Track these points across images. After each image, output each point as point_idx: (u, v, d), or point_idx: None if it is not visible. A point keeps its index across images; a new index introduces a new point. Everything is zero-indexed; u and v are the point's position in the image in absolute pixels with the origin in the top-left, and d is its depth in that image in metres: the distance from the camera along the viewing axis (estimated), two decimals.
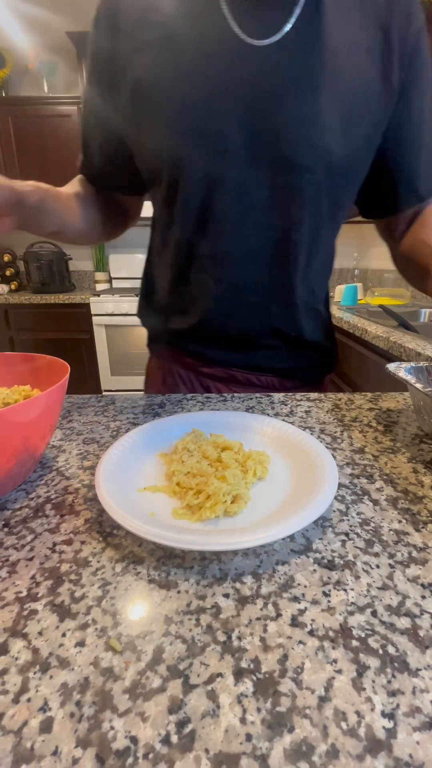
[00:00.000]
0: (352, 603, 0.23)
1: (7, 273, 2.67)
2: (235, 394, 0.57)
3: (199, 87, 0.46)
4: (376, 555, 0.27)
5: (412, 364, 0.48)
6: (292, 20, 0.44)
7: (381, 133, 0.50)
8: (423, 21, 0.48)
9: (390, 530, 0.29)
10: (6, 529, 0.30)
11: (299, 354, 0.63)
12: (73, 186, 0.59)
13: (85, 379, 2.49)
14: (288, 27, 0.44)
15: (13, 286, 2.64)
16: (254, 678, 0.19)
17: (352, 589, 0.24)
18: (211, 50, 0.45)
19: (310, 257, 0.55)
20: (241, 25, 0.44)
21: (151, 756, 0.16)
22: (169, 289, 0.60)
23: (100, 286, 2.74)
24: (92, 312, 2.30)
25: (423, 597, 0.24)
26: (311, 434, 0.44)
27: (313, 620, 0.22)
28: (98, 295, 2.30)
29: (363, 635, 0.21)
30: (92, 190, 0.61)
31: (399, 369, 0.46)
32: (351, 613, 0.23)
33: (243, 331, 0.59)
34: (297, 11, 0.44)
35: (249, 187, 0.49)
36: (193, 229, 0.53)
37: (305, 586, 0.25)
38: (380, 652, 0.21)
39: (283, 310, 0.57)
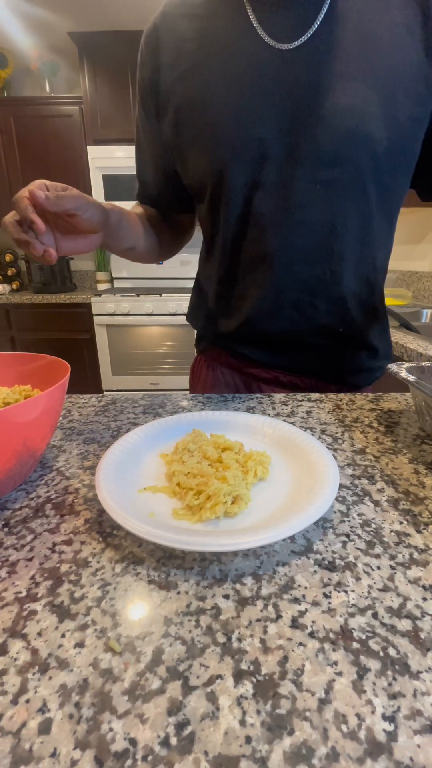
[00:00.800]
0: (353, 605, 0.23)
1: (9, 273, 2.67)
2: (236, 395, 0.57)
3: (235, 98, 0.48)
4: (377, 556, 0.27)
5: (414, 364, 0.48)
6: (319, 19, 0.45)
7: (430, 112, 0.49)
8: None
9: (391, 531, 0.29)
10: (6, 529, 0.30)
11: (347, 354, 0.62)
12: (135, 208, 0.65)
13: (86, 379, 2.49)
14: (315, 27, 0.45)
15: (14, 286, 2.65)
16: (254, 680, 0.19)
17: (353, 591, 0.24)
18: (243, 61, 0.47)
19: (361, 248, 0.55)
20: (269, 32, 0.46)
21: (150, 758, 0.16)
22: (215, 293, 0.62)
23: (101, 286, 2.74)
24: (93, 312, 2.30)
25: (424, 599, 0.24)
26: (312, 435, 0.44)
27: (313, 622, 0.22)
28: (99, 295, 2.30)
29: (364, 637, 0.21)
30: (152, 210, 0.66)
31: (400, 369, 0.45)
32: (352, 615, 0.23)
33: (288, 330, 0.59)
34: (324, 10, 0.45)
35: (290, 187, 0.50)
36: (235, 234, 0.55)
37: (306, 588, 0.24)
38: (381, 654, 0.20)
39: (330, 305, 0.57)
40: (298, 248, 0.53)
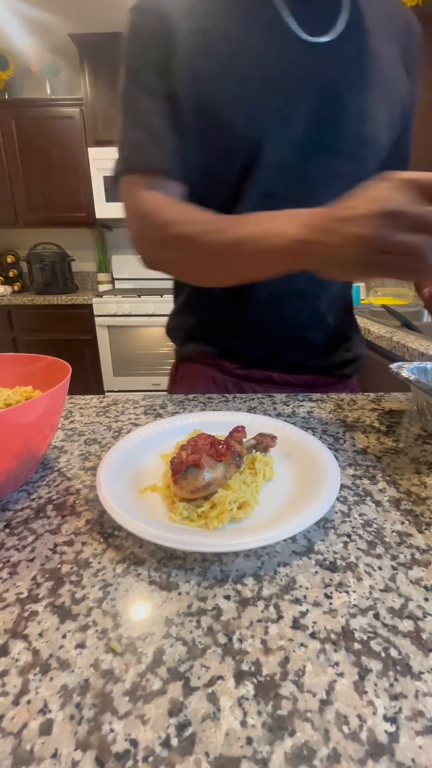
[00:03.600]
0: (354, 605, 0.23)
1: (11, 274, 2.68)
2: (237, 395, 0.57)
3: (271, 81, 0.48)
4: (379, 557, 0.27)
5: (416, 364, 0.48)
6: (344, 20, 0.49)
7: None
8: (419, 39, 0.57)
9: (393, 532, 0.29)
10: (7, 530, 0.30)
11: (332, 347, 0.64)
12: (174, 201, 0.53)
13: (87, 380, 2.49)
14: (341, 26, 0.48)
15: (16, 287, 2.65)
16: (255, 681, 0.19)
17: (354, 591, 0.24)
18: (273, 47, 0.48)
19: None
20: (300, 23, 0.48)
21: (151, 759, 0.16)
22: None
23: (102, 287, 2.75)
24: (95, 313, 2.30)
25: (426, 599, 0.24)
26: (313, 435, 0.44)
27: (314, 622, 0.22)
28: (101, 296, 2.31)
29: (365, 638, 0.21)
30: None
31: (402, 369, 0.45)
32: (353, 616, 0.23)
33: (289, 320, 0.59)
34: (344, 15, 0.49)
35: (313, 173, 0.51)
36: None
37: (307, 588, 0.24)
38: (382, 655, 0.20)
39: (330, 295, 0.60)
40: None
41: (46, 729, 0.17)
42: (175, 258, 0.50)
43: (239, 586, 0.25)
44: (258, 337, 0.61)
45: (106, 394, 0.66)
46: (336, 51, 0.48)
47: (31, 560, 0.27)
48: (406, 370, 0.45)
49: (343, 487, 0.35)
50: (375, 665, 0.20)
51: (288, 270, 0.40)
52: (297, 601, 0.23)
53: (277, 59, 0.48)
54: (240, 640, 0.21)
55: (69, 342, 2.43)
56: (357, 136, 0.51)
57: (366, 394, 0.58)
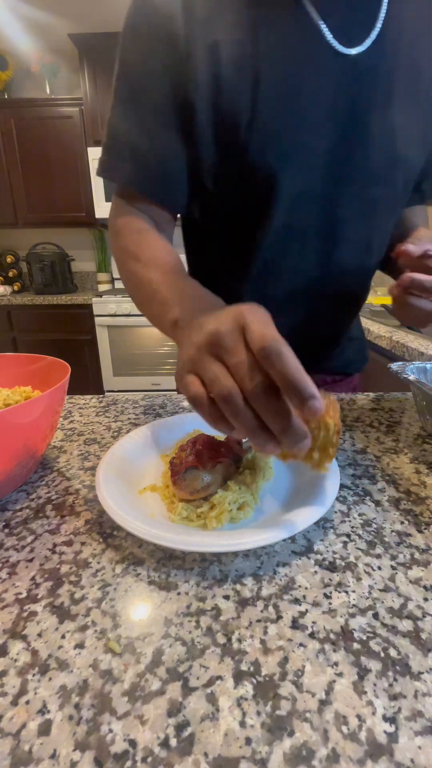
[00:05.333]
0: (354, 605, 0.23)
1: (10, 274, 2.67)
2: None
3: (289, 101, 0.43)
4: (378, 556, 0.27)
5: (415, 363, 0.48)
6: (379, 24, 0.43)
7: None
8: None
9: (392, 531, 0.29)
10: (6, 530, 0.30)
11: (339, 348, 0.65)
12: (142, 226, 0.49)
13: (87, 380, 2.49)
14: (376, 32, 0.43)
15: (15, 287, 2.65)
16: (254, 681, 0.19)
17: (354, 591, 0.24)
18: (301, 58, 0.42)
19: (379, 258, 0.56)
20: (333, 31, 0.42)
21: (149, 759, 0.16)
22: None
23: (102, 287, 2.74)
24: (94, 313, 2.30)
25: (425, 599, 0.24)
26: None
27: (314, 622, 0.22)
28: (100, 296, 2.30)
29: (364, 638, 0.21)
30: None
31: (402, 369, 0.45)
32: (352, 616, 0.23)
33: (298, 319, 0.56)
34: (382, 16, 0.43)
35: (336, 202, 0.48)
36: (274, 246, 0.50)
37: (306, 588, 0.24)
38: (382, 655, 0.20)
39: (352, 315, 0.62)
40: (337, 265, 0.52)
41: (44, 729, 0.17)
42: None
43: (238, 586, 0.25)
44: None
45: (106, 394, 0.66)
46: (366, 64, 0.43)
47: (30, 560, 0.27)
48: (406, 369, 0.45)
49: (342, 486, 0.35)
50: (374, 665, 0.20)
51: None
52: (296, 601, 0.23)
53: (303, 70, 0.42)
54: (239, 640, 0.21)
55: (69, 342, 2.43)
56: (385, 158, 0.47)
57: (366, 393, 0.58)
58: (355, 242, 0.52)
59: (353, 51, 0.43)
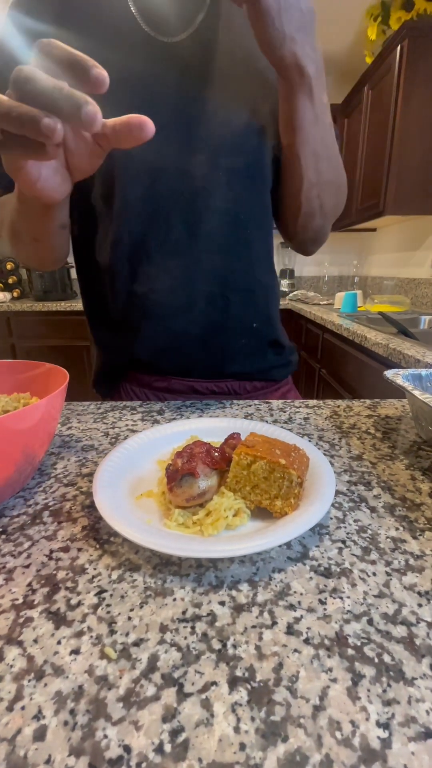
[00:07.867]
0: (348, 611, 0.23)
1: (10, 281, 2.69)
2: (234, 401, 0.57)
3: (123, 85, 0.44)
4: (373, 563, 0.27)
5: (411, 370, 0.48)
6: (200, 18, 0.49)
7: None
8: None
9: (387, 538, 0.29)
10: (3, 536, 0.30)
11: (259, 353, 0.62)
12: None
13: (86, 386, 2.49)
14: (197, 23, 0.49)
15: (15, 294, 2.66)
16: (249, 687, 0.19)
17: (349, 597, 0.24)
18: (125, 47, 0.48)
19: (265, 237, 0.57)
20: (150, 24, 0.48)
21: (144, 765, 0.16)
22: (118, 295, 0.56)
23: None
24: None
25: (420, 605, 0.24)
26: (309, 441, 0.44)
27: (308, 628, 0.22)
28: None
29: (359, 644, 0.21)
30: None
31: (397, 376, 0.46)
32: (347, 622, 0.23)
33: (204, 326, 0.56)
34: (201, 16, 0.49)
35: (192, 173, 0.50)
36: (137, 221, 0.51)
37: (301, 594, 0.25)
38: (376, 660, 0.21)
39: (242, 297, 0.57)
40: (204, 236, 0.53)
41: (39, 735, 0.17)
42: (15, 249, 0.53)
43: (234, 592, 0.25)
44: (171, 350, 0.58)
45: (104, 400, 0.66)
46: (193, 45, 0.49)
47: (27, 566, 0.27)
48: (401, 377, 0.46)
49: (338, 493, 0.35)
50: (368, 671, 0.20)
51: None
52: (291, 607, 0.24)
53: (128, 61, 0.47)
54: (234, 646, 0.21)
55: (68, 348, 2.44)
56: (235, 128, 0.50)
57: (362, 400, 0.58)
58: (217, 212, 0.52)
59: (174, 39, 0.48)
